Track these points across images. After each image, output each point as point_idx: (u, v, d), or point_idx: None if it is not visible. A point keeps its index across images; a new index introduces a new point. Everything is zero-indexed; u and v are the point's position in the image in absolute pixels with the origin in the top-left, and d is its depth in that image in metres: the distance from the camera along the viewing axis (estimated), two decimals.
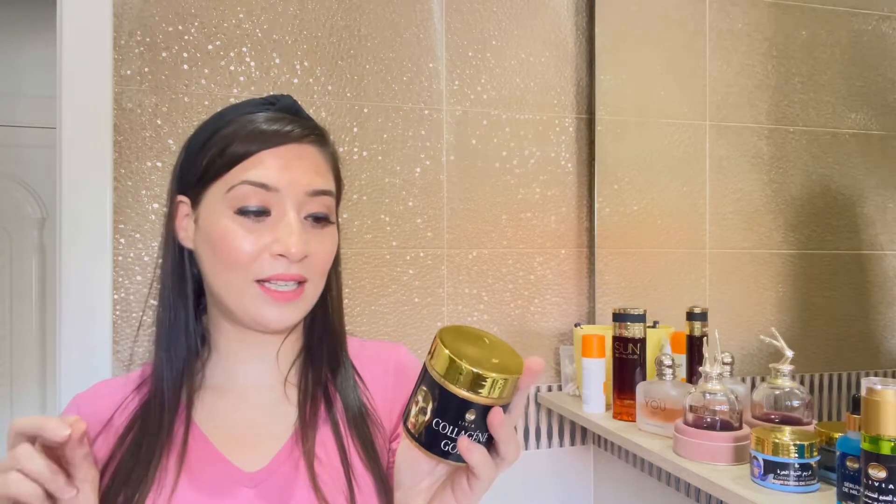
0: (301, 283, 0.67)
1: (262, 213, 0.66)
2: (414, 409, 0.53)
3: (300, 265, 0.67)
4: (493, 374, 0.49)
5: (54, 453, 0.56)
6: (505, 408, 0.52)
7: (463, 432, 0.51)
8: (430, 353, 0.52)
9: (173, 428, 0.68)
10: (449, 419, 0.51)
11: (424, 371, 0.52)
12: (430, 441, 0.51)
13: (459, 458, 0.52)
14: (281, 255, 0.65)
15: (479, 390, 0.49)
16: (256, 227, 0.66)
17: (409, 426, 0.53)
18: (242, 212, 0.66)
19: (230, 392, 0.72)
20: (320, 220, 0.69)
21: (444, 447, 0.51)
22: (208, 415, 0.70)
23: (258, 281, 0.66)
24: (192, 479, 0.65)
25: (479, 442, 0.51)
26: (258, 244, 0.65)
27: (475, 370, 0.49)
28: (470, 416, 0.50)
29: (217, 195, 0.67)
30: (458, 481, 0.55)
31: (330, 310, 0.75)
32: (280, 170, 0.66)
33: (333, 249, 0.71)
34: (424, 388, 0.52)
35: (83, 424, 0.56)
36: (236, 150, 0.67)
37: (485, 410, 0.51)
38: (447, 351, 0.50)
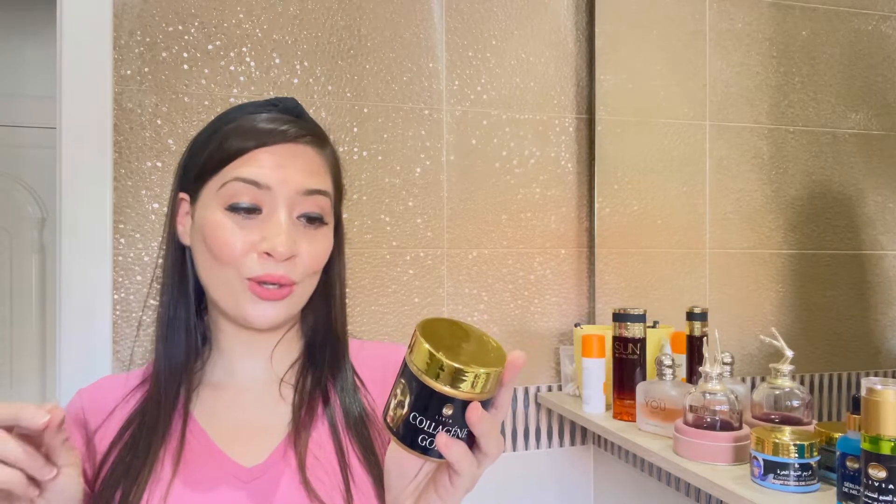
0: (287, 284, 0.67)
1: (253, 210, 0.67)
2: (392, 403, 0.51)
3: (287, 265, 0.67)
4: (474, 369, 0.48)
5: (32, 440, 0.55)
6: (487, 402, 0.50)
7: (441, 427, 0.49)
8: (409, 346, 0.51)
9: (171, 423, 0.68)
10: (426, 414, 0.49)
11: (404, 364, 0.51)
12: (408, 435, 0.50)
13: (440, 455, 0.50)
14: (267, 253, 0.66)
15: (459, 385, 0.48)
16: (247, 223, 0.66)
17: (388, 420, 0.51)
18: (234, 208, 0.66)
19: (229, 388, 0.73)
20: (313, 220, 0.69)
21: (422, 442, 0.50)
22: (207, 411, 0.71)
23: (248, 279, 0.67)
24: (189, 473, 0.66)
25: (458, 437, 0.50)
26: (247, 241, 0.66)
27: (455, 364, 0.47)
28: (447, 411, 0.49)
29: (211, 191, 0.68)
30: (440, 478, 0.54)
31: (333, 313, 0.76)
32: (273, 168, 0.67)
33: (326, 250, 0.71)
34: (403, 381, 0.50)
35: (62, 412, 0.54)
36: (231, 146, 0.68)
37: (464, 405, 0.49)
38: (427, 345, 0.48)
